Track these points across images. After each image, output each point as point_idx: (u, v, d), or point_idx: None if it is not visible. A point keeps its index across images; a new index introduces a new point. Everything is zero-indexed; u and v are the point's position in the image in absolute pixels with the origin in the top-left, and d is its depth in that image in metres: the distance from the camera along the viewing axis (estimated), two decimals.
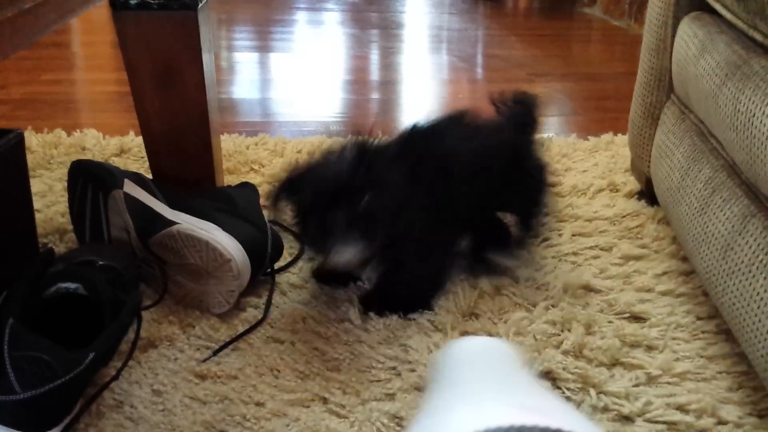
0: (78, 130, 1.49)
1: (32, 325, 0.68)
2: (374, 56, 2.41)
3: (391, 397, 0.80)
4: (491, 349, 0.57)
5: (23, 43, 0.45)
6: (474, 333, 0.90)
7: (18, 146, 0.89)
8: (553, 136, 1.59)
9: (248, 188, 1.12)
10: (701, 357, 0.88)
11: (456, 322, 0.92)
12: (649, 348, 0.89)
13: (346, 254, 0.77)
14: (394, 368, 0.84)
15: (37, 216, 1.09)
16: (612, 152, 1.47)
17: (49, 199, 1.19)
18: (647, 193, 1.25)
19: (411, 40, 2.65)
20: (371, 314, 0.92)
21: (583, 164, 1.41)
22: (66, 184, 1.02)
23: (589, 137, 1.56)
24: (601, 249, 1.11)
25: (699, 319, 0.95)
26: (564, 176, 1.35)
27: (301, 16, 2.96)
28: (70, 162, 1.02)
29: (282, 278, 1.01)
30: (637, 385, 0.83)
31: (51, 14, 0.50)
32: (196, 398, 0.79)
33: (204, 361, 0.84)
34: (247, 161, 1.36)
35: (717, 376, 0.85)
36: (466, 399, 0.51)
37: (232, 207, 1.02)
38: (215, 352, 0.85)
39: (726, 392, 0.82)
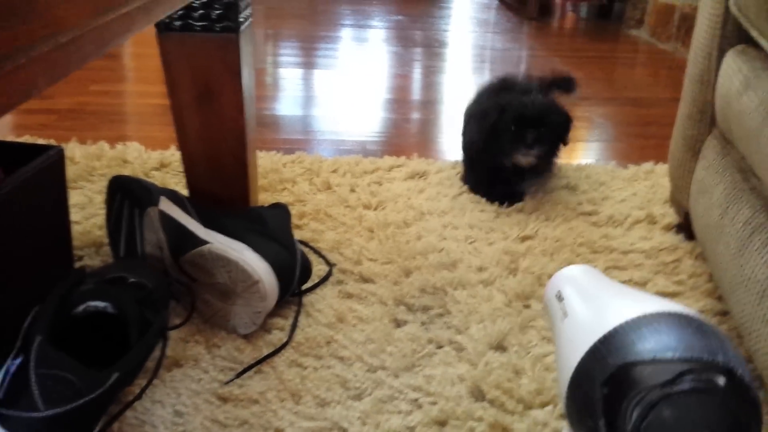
0: (121, 143, 1.52)
1: (60, 342, 0.70)
2: (416, 75, 2.41)
3: (411, 430, 0.79)
4: (591, 270, 0.79)
5: (59, 76, 0.45)
6: (499, 366, 0.89)
7: (58, 163, 0.91)
8: (592, 163, 1.57)
9: (280, 209, 1.13)
10: None
11: (482, 354, 0.91)
12: None
13: (528, 157, 1.31)
14: (415, 400, 0.83)
15: (75, 228, 1.12)
16: (652, 182, 1.44)
17: (88, 211, 1.22)
18: (686, 227, 1.22)
19: (454, 60, 2.65)
20: (401, 331, 0.93)
21: (621, 193, 1.39)
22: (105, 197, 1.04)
23: (629, 165, 1.54)
24: (636, 283, 1.09)
25: None
26: (601, 205, 1.33)
27: (346, 33, 2.99)
28: (111, 175, 1.04)
29: (308, 299, 1.01)
30: None
31: (88, 47, 0.51)
32: (217, 421, 0.79)
33: (227, 383, 0.85)
34: (282, 179, 1.37)
35: None
36: (607, 299, 0.70)
37: (264, 227, 1.03)
38: (238, 375, 0.86)
39: None
